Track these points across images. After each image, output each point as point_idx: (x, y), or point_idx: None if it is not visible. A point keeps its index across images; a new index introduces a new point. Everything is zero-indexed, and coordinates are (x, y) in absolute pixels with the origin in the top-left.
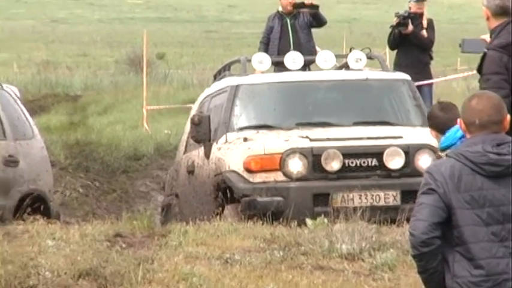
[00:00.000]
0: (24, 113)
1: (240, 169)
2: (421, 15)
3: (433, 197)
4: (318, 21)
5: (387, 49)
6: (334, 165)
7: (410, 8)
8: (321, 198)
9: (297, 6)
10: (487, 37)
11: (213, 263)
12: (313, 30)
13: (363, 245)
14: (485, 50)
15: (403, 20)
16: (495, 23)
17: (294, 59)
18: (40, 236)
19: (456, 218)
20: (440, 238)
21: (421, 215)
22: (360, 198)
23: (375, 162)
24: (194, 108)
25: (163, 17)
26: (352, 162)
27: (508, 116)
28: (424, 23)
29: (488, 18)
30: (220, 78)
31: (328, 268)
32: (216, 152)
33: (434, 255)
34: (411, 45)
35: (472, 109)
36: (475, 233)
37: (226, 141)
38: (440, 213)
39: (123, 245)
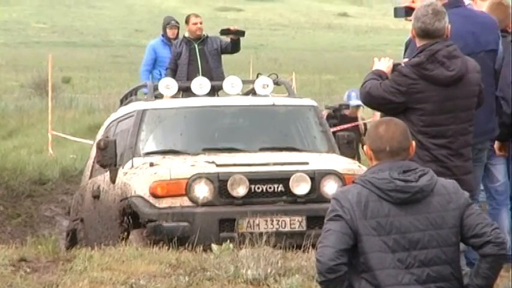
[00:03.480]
0: None
1: (146, 194)
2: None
3: (340, 223)
4: (236, 47)
5: (294, 75)
6: (240, 190)
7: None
8: (227, 224)
9: (223, 32)
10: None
11: None
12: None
13: (269, 270)
14: (401, 64)
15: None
16: (419, 43)
17: (201, 84)
18: None
19: (362, 244)
20: (347, 265)
21: (328, 242)
22: (266, 223)
23: (281, 188)
24: (100, 133)
25: (69, 41)
26: (258, 188)
27: (413, 143)
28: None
29: (414, 37)
30: (127, 103)
31: None
32: (122, 177)
33: (340, 281)
34: None
35: (381, 136)
36: (381, 260)
37: (132, 166)
38: (347, 240)
39: (28, 270)
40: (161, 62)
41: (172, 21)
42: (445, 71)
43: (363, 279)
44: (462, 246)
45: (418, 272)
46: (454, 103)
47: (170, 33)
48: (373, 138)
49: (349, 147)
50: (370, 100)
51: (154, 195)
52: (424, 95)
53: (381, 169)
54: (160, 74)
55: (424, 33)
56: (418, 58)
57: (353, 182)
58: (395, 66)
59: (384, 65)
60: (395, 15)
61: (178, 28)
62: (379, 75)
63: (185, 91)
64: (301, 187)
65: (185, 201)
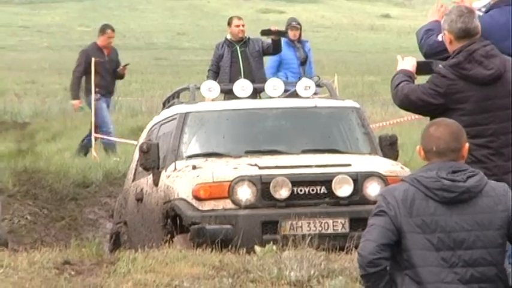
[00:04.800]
0: None
1: (188, 197)
2: None
3: (384, 219)
4: (277, 48)
5: (336, 76)
6: (283, 193)
7: None
8: (270, 226)
9: (264, 33)
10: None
11: None
12: (265, 58)
13: (312, 272)
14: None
15: None
16: (456, 45)
17: (243, 86)
18: None
19: (406, 241)
20: (388, 259)
21: (370, 236)
22: (309, 225)
23: (323, 190)
24: (143, 136)
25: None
26: (300, 190)
27: (467, 145)
28: None
29: (451, 42)
30: (169, 106)
31: None
32: (165, 179)
33: (381, 276)
34: None
35: (430, 136)
36: (424, 257)
37: (175, 169)
38: (389, 235)
39: (72, 273)
40: (286, 64)
41: (293, 23)
42: (483, 70)
43: (406, 275)
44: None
45: (462, 271)
46: (493, 102)
47: (291, 34)
48: (424, 137)
49: (392, 148)
50: (409, 103)
51: (197, 198)
52: (463, 95)
53: (430, 168)
54: (286, 77)
55: (465, 32)
56: (456, 59)
57: (401, 180)
58: (419, 64)
59: (409, 63)
60: None
61: (299, 29)
62: (409, 75)
63: (227, 93)
64: (343, 189)
65: (228, 204)
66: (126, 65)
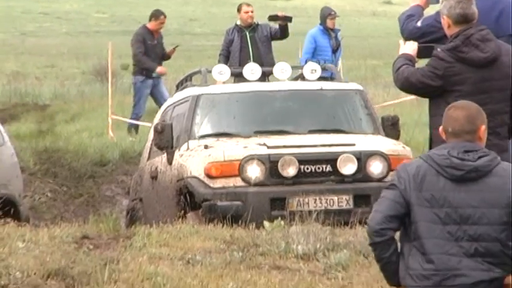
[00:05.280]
0: None
1: (201, 175)
2: None
3: (394, 192)
4: (284, 33)
5: (340, 60)
6: (290, 171)
7: None
8: (278, 202)
9: (271, 18)
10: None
11: (176, 263)
12: (273, 42)
13: (318, 245)
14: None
15: None
16: (454, 29)
17: (252, 70)
18: (10, 238)
19: (414, 214)
20: (395, 230)
21: (379, 207)
22: (315, 202)
23: (329, 168)
24: (157, 117)
25: (127, 30)
26: (307, 168)
27: (483, 127)
28: None
29: (449, 27)
30: (182, 89)
31: (285, 268)
32: (178, 158)
33: (387, 245)
34: None
35: (449, 117)
36: (430, 230)
37: (188, 148)
38: (397, 208)
39: (90, 247)
40: (320, 50)
41: (332, 12)
42: (479, 53)
43: (413, 246)
44: None
45: (467, 245)
46: (490, 84)
47: (330, 23)
48: (444, 119)
49: (393, 128)
50: (409, 86)
51: (209, 176)
52: (460, 77)
53: (444, 147)
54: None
55: (463, 18)
56: (453, 43)
57: (420, 157)
58: (420, 48)
59: (410, 47)
60: (429, 2)
61: (335, 18)
62: (409, 59)
63: (237, 76)
64: (348, 167)
65: (238, 182)
66: (176, 46)
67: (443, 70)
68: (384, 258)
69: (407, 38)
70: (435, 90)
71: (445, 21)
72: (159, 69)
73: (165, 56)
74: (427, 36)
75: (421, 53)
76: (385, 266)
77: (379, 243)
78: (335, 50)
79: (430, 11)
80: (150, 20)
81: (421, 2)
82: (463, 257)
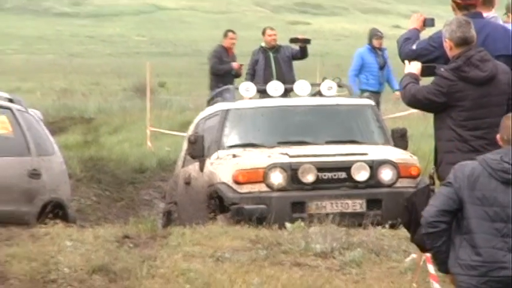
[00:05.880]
0: (46, 133)
1: (229, 181)
2: None
3: (449, 189)
4: (304, 53)
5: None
6: (310, 177)
7: None
8: (298, 206)
9: (292, 41)
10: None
11: (207, 260)
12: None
13: (334, 244)
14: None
15: None
16: (455, 51)
17: (275, 87)
18: (59, 238)
19: (466, 210)
20: (446, 223)
21: (434, 202)
22: (331, 205)
23: (344, 175)
24: (190, 129)
25: (164, 52)
26: (324, 175)
27: None
28: None
29: (451, 49)
30: (213, 104)
31: (305, 264)
32: (209, 166)
33: (438, 236)
34: None
35: (504, 126)
36: (480, 226)
37: (218, 157)
38: (450, 204)
39: (130, 245)
40: (367, 67)
41: (378, 33)
42: (479, 72)
43: (464, 239)
44: None
45: (511, 242)
46: (488, 99)
47: (376, 43)
48: (500, 127)
49: (402, 139)
50: (416, 102)
51: (237, 182)
52: (462, 93)
53: (498, 152)
54: (367, 79)
55: (463, 40)
56: (455, 63)
57: (476, 159)
58: (423, 67)
59: (414, 67)
60: (425, 25)
61: (382, 38)
62: (414, 78)
63: (262, 93)
64: (361, 174)
65: (263, 187)
66: (241, 64)
67: (447, 88)
68: (435, 247)
69: (403, 60)
70: (439, 106)
71: (447, 43)
72: (234, 64)
73: (237, 75)
74: (421, 58)
75: (424, 72)
76: (436, 254)
77: (432, 233)
78: (382, 66)
79: (428, 33)
80: (222, 38)
81: (417, 26)
82: (508, 252)
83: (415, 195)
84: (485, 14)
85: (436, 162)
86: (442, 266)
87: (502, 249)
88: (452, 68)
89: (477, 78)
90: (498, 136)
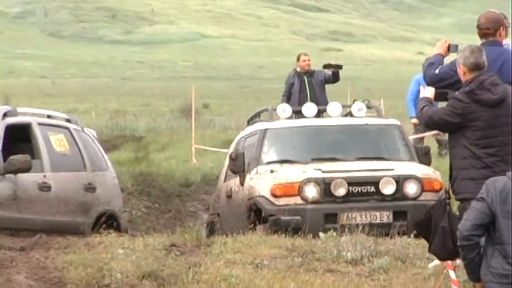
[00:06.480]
0: (100, 150)
1: (267, 194)
2: None
3: (482, 204)
4: (336, 78)
5: (382, 100)
6: (341, 191)
7: None
8: (331, 217)
9: (325, 66)
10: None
11: (247, 267)
12: (327, 85)
13: (364, 252)
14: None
15: None
16: (468, 76)
17: (309, 108)
18: (112, 246)
19: (498, 223)
20: (480, 236)
21: (468, 216)
22: (361, 217)
23: (372, 189)
24: (232, 147)
25: (208, 75)
26: (355, 189)
27: None
28: None
29: (464, 73)
30: (253, 123)
31: (337, 271)
32: (249, 181)
33: (472, 248)
34: None
35: None
36: (511, 238)
37: (257, 172)
38: (483, 218)
39: (177, 253)
40: None
41: None
42: (491, 95)
43: (496, 249)
44: None
45: None
46: (500, 120)
47: None
48: None
49: (426, 157)
50: (432, 123)
51: (274, 195)
52: (475, 114)
53: None
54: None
55: (476, 66)
56: (469, 87)
57: (505, 174)
58: (436, 93)
59: (429, 92)
60: (449, 51)
61: None
62: (429, 101)
63: (297, 114)
64: (388, 188)
65: (298, 200)
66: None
67: (461, 109)
68: (469, 258)
69: (428, 83)
70: (454, 126)
71: (461, 69)
72: None
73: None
74: (443, 81)
75: (437, 97)
76: (469, 265)
77: (466, 246)
78: None
79: (451, 58)
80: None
81: (442, 51)
82: None
83: (432, 209)
84: (504, 42)
85: (451, 178)
86: (474, 275)
87: None
88: (466, 91)
89: (489, 101)
90: None
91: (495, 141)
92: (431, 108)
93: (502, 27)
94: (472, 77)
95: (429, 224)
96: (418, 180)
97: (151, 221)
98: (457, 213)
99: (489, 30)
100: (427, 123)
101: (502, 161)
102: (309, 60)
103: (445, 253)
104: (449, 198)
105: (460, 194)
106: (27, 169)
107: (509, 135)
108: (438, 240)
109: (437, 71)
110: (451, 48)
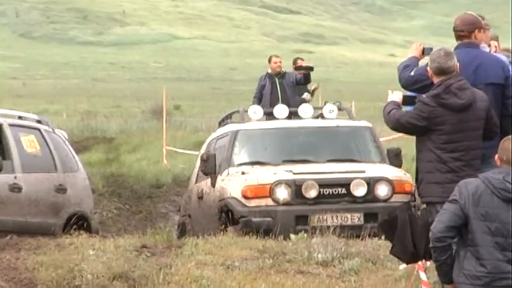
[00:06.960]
0: (71, 151)
1: (238, 196)
2: None
3: (455, 206)
4: (307, 80)
5: (353, 102)
6: (312, 193)
7: None
8: (302, 219)
9: (296, 68)
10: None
11: (218, 268)
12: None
13: (334, 254)
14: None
15: None
16: (436, 79)
17: (281, 110)
18: (83, 247)
19: (471, 225)
20: (453, 238)
21: (441, 218)
22: (332, 218)
23: (343, 191)
24: (203, 148)
25: (179, 77)
26: (326, 191)
27: None
28: None
29: (432, 76)
30: (224, 125)
31: (308, 272)
32: (220, 182)
33: (444, 250)
34: None
35: (503, 148)
36: (483, 239)
37: (228, 174)
38: (456, 220)
39: (148, 254)
40: None
41: None
42: (457, 99)
43: (468, 251)
44: None
45: (510, 255)
46: (466, 124)
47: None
48: (499, 149)
49: (397, 158)
50: (399, 126)
51: (245, 197)
52: (441, 119)
53: (500, 172)
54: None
55: (440, 70)
56: (436, 90)
57: (477, 176)
58: (404, 97)
59: (397, 96)
60: (424, 54)
61: None
62: (398, 105)
63: (268, 115)
64: (359, 190)
65: (269, 202)
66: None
67: (427, 113)
68: (441, 260)
69: (403, 85)
70: (421, 130)
71: (429, 72)
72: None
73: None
74: (418, 83)
75: (405, 101)
76: (440, 266)
77: (438, 247)
78: None
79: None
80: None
81: (417, 54)
82: (508, 264)
83: (398, 210)
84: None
85: (417, 181)
86: (445, 277)
87: (503, 261)
88: (433, 95)
89: (455, 105)
90: (496, 156)
91: (461, 145)
92: (399, 112)
93: (477, 29)
94: (440, 81)
95: (394, 226)
96: (389, 182)
97: (122, 222)
98: (420, 216)
99: (463, 32)
100: (394, 126)
101: (468, 166)
102: (280, 62)
103: (406, 256)
104: (415, 200)
105: (425, 198)
106: None
107: (475, 140)
108: (399, 243)
109: (412, 73)
110: (425, 51)
